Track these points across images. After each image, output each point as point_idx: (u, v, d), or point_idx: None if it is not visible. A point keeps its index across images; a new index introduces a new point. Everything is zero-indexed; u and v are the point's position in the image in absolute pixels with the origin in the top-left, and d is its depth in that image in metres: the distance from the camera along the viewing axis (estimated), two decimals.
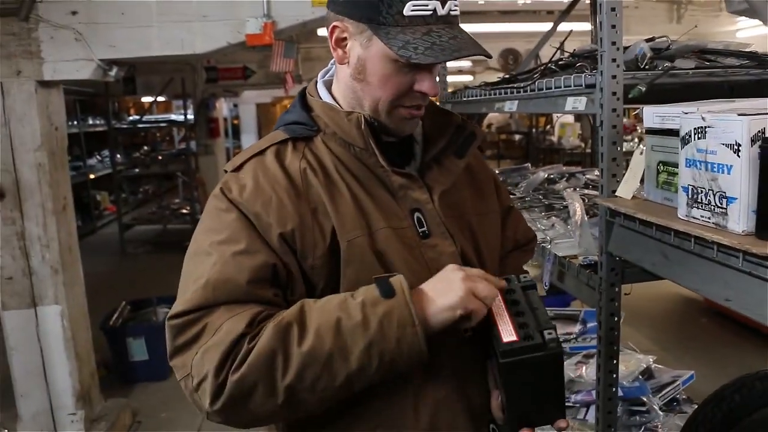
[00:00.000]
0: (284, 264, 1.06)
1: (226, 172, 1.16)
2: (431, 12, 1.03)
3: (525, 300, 1.09)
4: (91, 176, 10.18)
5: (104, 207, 10.89)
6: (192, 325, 1.01)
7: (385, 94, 1.10)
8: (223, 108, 11.50)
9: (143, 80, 8.71)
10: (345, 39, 1.10)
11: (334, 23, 1.10)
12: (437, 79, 1.15)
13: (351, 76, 1.12)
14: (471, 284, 1.02)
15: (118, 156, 9.81)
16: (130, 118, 11.81)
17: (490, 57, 1.12)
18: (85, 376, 3.65)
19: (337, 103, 1.18)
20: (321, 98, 1.19)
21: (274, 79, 8.19)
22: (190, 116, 9.22)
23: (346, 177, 1.12)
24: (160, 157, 10.39)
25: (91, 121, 10.81)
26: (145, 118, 10.89)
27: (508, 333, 1.03)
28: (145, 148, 12.49)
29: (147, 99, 11.51)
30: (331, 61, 1.21)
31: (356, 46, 1.09)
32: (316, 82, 1.23)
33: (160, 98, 10.13)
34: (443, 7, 1.04)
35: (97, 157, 11.20)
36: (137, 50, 3.21)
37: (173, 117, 11.29)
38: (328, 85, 1.21)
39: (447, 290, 1.02)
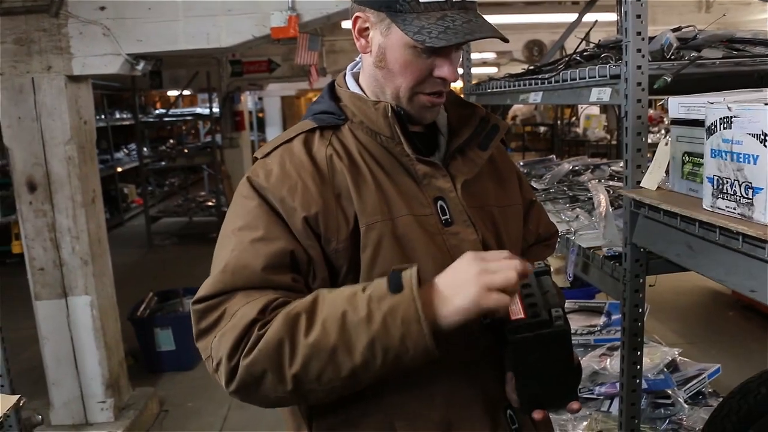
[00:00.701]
0: (304, 249, 1.07)
1: (256, 159, 1.19)
2: None
3: (537, 284, 1.09)
4: (119, 169, 10.34)
5: (131, 200, 11.05)
6: (213, 310, 1.04)
7: (405, 81, 1.12)
8: (247, 101, 11.58)
9: (169, 74, 8.80)
10: (367, 29, 1.14)
11: (357, 14, 1.14)
12: (458, 66, 1.17)
13: (373, 64, 1.15)
14: (487, 279, 0.98)
15: (145, 149, 9.94)
16: (157, 111, 11.97)
17: (506, 41, 1.13)
18: (114, 365, 3.72)
19: (365, 93, 1.20)
20: (349, 89, 1.22)
21: (299, 72, 8.23)
22: (216, 109, 9.30)
23: (371, 164, 1.14)
24: (186, 150, 10.50)
25: (117, 115, 10.96)
26: (171, 111, 11.00)
27: (515, 312, 1.04)
28: (171, 141, 12.65)
29: (173, 93, 11.63)
30: (359, 56, 1.23)
31: (377, 34, 1.12)
32: (345, 74, 1.25)
33: (186, 92, 10.23)
34: None
35: (124, 150, 11.37)
36: (164, 44, 3.26)
37: (199, 110, 11.42)
38: (356, 77, 1.24)
39: (461, 288, 0.99)
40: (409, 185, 1.15)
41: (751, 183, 1.22)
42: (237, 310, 1.02)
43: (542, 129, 11.51)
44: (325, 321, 0.98)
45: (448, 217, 1.16)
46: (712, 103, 1.33)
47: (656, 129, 6.75)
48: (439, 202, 1.16)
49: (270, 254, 1.05)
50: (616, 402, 2.56)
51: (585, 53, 2.24)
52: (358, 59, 1.26)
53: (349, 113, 1.18)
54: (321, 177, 1.11)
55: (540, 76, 2.35)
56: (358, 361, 0.98)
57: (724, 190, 1.29)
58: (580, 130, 9.83)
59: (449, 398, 1.14)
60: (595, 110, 9.61)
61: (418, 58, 1.10)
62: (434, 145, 1.24)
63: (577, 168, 2.88)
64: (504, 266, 1.00)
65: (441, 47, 1.06)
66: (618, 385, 2.01)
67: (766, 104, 1.18)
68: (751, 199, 1.22)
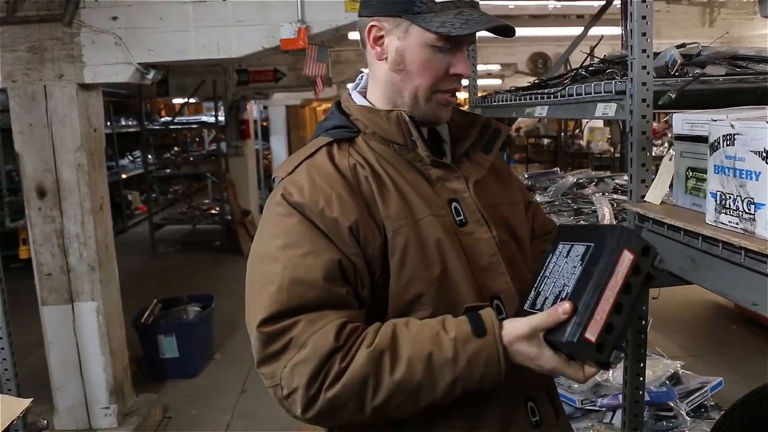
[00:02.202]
0: (349, 258, 1.10)
1: (274, 179, 1.22)
2: None
3: (637, 291, 1.05)
4: (123, 176, 10.39)
5: (135, 207, 11.11)
6: (279, 337, 1.06)
7: (424, 80, 1.19)
8: (253, 110, 11.62)
9: (176, 82, 8.84)
10: (382, 37, 1.19)
11: (371, 23, 1.19)
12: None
13: (390, 69, 1.20)
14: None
15: (150, 156, 9.97)
16: (162, 119, 12.00)
17: (513, 33, 1.21)
18: (118, 371, 3.74)
19: (374, 106, 1.25)
20: (356, 104, 1.27)
21: (305, 82, 8.26)
22: (221, 118, 9.35)
23: (390, 171, 1.19)
24: (191, 158, 10.55)
25: (123, 122, 11.02)
26: (177, 119, 11.04)
27: (594, 328, 1.00)
28: (176, 148, 12.68)
29: (178, 100, 11.68)
30: (359, 76, 1.31)
31: (393, 40, 1.18)
32: (349, 93, 1.31)
33: (192, 100, 10.28)
34: None
35: (129, 157, 11.41)
36: (174, 54, 3.30)
37: (204, 118, 11.42)
38: (363, 94, 1.29)
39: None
40: (425, 188, 1.20)
41: (753, 199, 1.24)
42: (306, 340, 1.04)
43: (546, 141, 11.55)
44: (411, 360, 1.04)
45: (462, 217, 1.21)
46: (715, 120, 1.35)
47: (659, 142, 6.78)
48: (453, 204, 1.21)
49: (321, 267, 1.08)
50: (618, 414, 2.56)
51: (590, 68, 2.27)
52: (358, 79, 1.32)
53: (361, 125, 1.23)
54: (350, 186, 1.15)
55: (546, 91, 2.38)
56: (438, 396, 1.06)
57: (727, 206, 1.32)
58: (583, 143, 9.87)
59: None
60: (599, 123, 9.64)
61: (436, 57, 1.17)
62: (439, 154, 1.29)
63: (581, 181, 2.90)
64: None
65: (458, 41, 1.15)
66: (621, 396, 2.03)
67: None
68: (754, 214, 1.25)
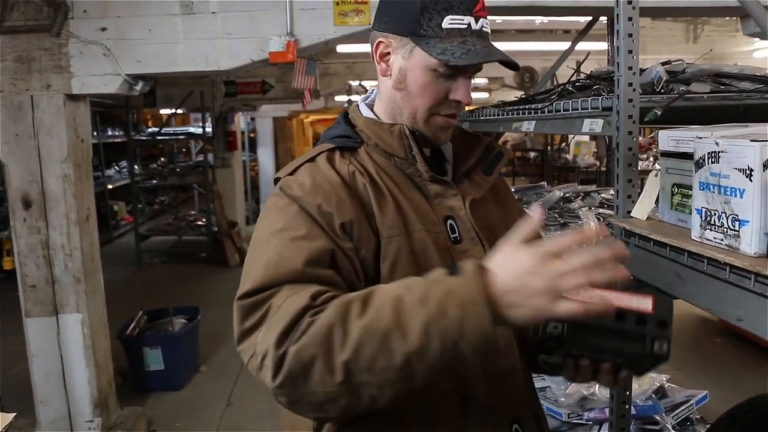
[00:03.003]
0: (344, 252, 1.10)
1: (276, 180, 1.23)
2: (466, 26, 1.16)
3: (614, 326, 1.03)
4: (109, 187, 10.34)
5: (121, 217, 11.03)
6: (258, 307, 1.03)
7: (423, 102, 1.21)
8: (240, 121, 11.61)
9: (163, 93, 8.82)
10: (388, 54, 1.22)
11: (379, 39, 1.22)
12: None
13: (393, 86, 1.23)
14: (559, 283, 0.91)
15: (136, 167, 9.93)
16: (149, 129, 11.96)
17: (518, 67, 1.23)
18: (102, 384, 3.70)
19: (379, 118, 1.28)
20: (363, 116, 1.29)
21: (292, 94, 8.28)
22: (209, 129, 9.33)
23: (388, 183, 1.20)
24: (177, 169, 10.51)
25: (110, 132, 10.97)
26: (164, 130, 11.01)
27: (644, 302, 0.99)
28: (163, 159, 12.64)
29: (166, 111, 11.65)
30: (369, 90, 1.34)
31: (398, 58, 1.20)
32: (358, 104, 1.33)
33: (179, 111, 10.25)
34: (477, 23, 1.17)
35: (115, 167, 11.35)
36: (163, 66, 3.30)
37: (191, 129, 11.41)
38: (370, 107, 1.31)
39: (528, 284, 0.93)
40: (422, 203, 1.22)
41: (737, 215, 1.26)
42: (283, 302, 1.01)
43: (532, 155, 11.62)
44: (379, 305, 0.95)
45: (457, 235, 1.22)
46: (700, 138, 1.37)
47: (645, 156, 6.84)
48: (449, 221, 1.22)
49: (312, 249, 1.07)
50: (605, 427, 2.57)
51: (577, 83, 2.30)
52: (369, 92, 1.34)
53: (365, 137, 1.25)
54: (348, 190, 1.16)
55: (533, 106, 2.41)
56: (412, 345, 0.92)
57: (712, 222, 1.34)
58: (570, 157, 9.94)
59: (460, 407, 1.17)
60: (585, 137, 9.73)
61: (436, 81, 1.19)
62: (441, 172, 1.30)
63: (567, 195, 2.93)
64: (589, 268, 0.91)
65: (460, 68, 1.16)
66: (607, 410, 2.04)
67: (752, 141, 1.23)
68: (738, 231, 1.27)
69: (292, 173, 1.20)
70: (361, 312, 0.95)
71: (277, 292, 1.03)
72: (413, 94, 1.20)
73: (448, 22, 1.15)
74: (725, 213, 1.29)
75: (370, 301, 0.97)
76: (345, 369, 0.93)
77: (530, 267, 0.92)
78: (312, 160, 1.22)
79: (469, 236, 1.23)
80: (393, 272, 1.13)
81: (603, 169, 8.64)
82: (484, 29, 1.18)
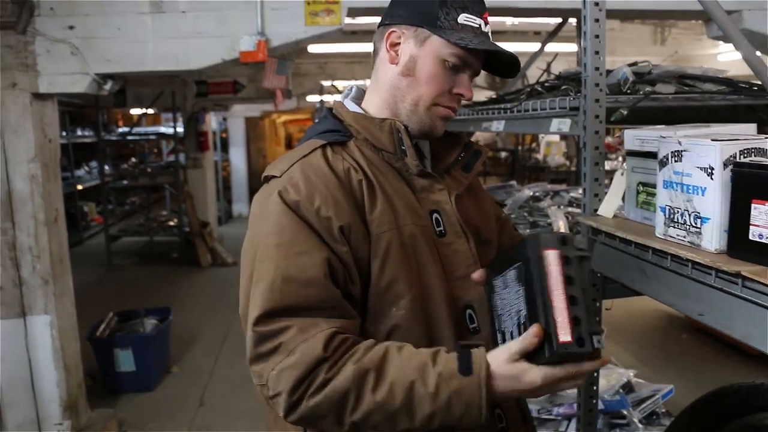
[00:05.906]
0: (338, 255, 1.14)
1: (266, 178, 1.24)
2: (477, 26, 1.25)
3: (579, 277, 1.07)
4: (79, 187, 10.17)
5: (91, 218, 10.86)
6: (269, 338, 1.10)
7: (428, 91, 1.25)
8: (212, 121, 11.51)
9: (133, 92, 8.71)
10: (398, 43, 1.27)
11: (392, 30, 1.27)
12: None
13: (399, 72, 1.27)
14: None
15: (106, 167, 9.79)
16: (120, 129, 11.79)
17: (514, 75, 1.33)
18: (72, 387, 3.65)
19: (367, 113, 1.31)
20: (350, 111, 1.31)
21: (264, 94, 8.24)
22: (180, 129, 9.23)
23: (379, 177, 1.23)
24: (148, 170, 10.38)
25: (79, 132, 10.80)
26: (135, 130, 10.87)
27: (564, 329, 1.02)
28: (134, 159, 12.47)
29: (136, 111, 11.50)
30: (348, 87, 1.38)
31: (409, 47, 1.26)
32: (341, 102, 1.36)
33: (150, 111, 10.13)
34: (485, 27, 1.27)
35: (85, 168, 11.18)
36: (133, 65, 3.26)
37: (162, 129, 11.26)
38: (357, 103, 1.35)
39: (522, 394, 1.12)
40: (410, 197, 1.25)
41: (699, 213, 1.30)
42: (295, 346, 1.08)
43: (503, 154, 11.69)
44: (394, 384, 1.06)
45: (441, 228, 1.26)
46: (664, 138, 1.41)
47: (614, 156, 6.94)
48: (435, 215, 1.26)
49: (313, 266, 1.12)
50: (573, 422, 2.62)
51: (546, 84, 2.33)
52: (349, 89, 1.38)
53: (353, 131, 1.28)
54: (344, 189, 1.18)
55: (503, 106, 2.44)
56: (415, 425, 1.07)
57: (675, 219, 1.37)
58: (540, 156, 10.03)
59: None
60: (556, 137, 9.83)
61: (444, 73, 1.25)
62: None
63: (537, 194, 2.97)
64: (572, 378, 1.06)
65: (467, 64, 1.24)
66: (575, 405, 2.07)
67: (713, 140, 1.26)
68: (700, 228, 1.30)
69: (286, 171, 1.21)
70: (375, 385, 1.06)
71: (288, 327, 1.09)
72: (420, 81, 1.25)
73: (463, 18, 1.23)
74: (688, 210, 1.33)
75: (385, 375, 1.07)
76: (353, 426, 1.08)
77: (529, 391, 1.06)
78: (306, 156, 1.23)
79: (453, 229, 1.26)
80: (383, 269, 1.17)
81: (573, 168, 8.75)
82: (489, 34, 1.28)
